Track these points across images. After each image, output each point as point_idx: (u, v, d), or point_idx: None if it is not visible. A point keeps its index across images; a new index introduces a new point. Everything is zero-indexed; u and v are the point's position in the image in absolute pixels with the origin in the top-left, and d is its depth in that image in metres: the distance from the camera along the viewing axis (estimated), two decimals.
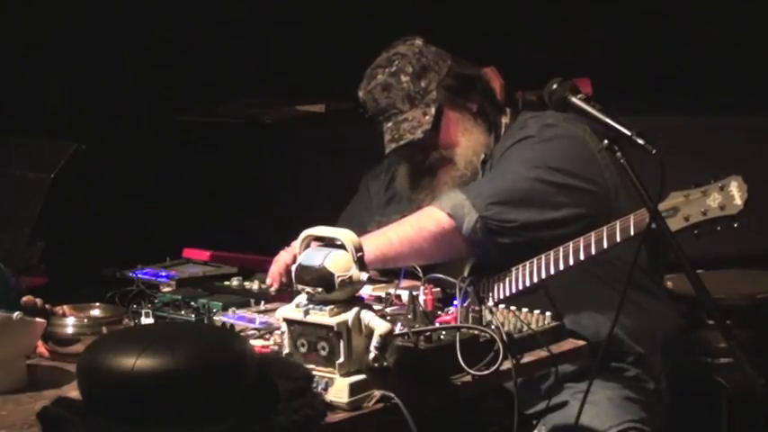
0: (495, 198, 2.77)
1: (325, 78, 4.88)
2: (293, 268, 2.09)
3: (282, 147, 4.78)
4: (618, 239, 2.54)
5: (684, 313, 3.20)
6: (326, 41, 5.19)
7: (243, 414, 1.87)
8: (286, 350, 2.09)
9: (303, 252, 2.10)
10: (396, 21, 3.71)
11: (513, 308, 2.45)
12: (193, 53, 5.19)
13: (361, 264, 2.04)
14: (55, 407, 1.90)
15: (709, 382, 3.48)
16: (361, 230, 2.67)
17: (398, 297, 2.58)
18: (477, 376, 2.20)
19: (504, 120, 3.04)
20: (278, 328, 2.28)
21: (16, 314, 2.20)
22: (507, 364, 2.23)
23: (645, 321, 2.87)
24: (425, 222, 2.79)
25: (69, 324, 2.40)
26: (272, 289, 2.80)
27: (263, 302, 2.75)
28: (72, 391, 2.03)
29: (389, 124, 2.95)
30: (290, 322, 2.08)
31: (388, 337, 2.04)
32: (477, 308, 2.34)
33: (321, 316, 2.03)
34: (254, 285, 2.90)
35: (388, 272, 2.86)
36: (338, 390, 2.02)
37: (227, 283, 2.96)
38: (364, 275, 2.04)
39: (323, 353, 2.04)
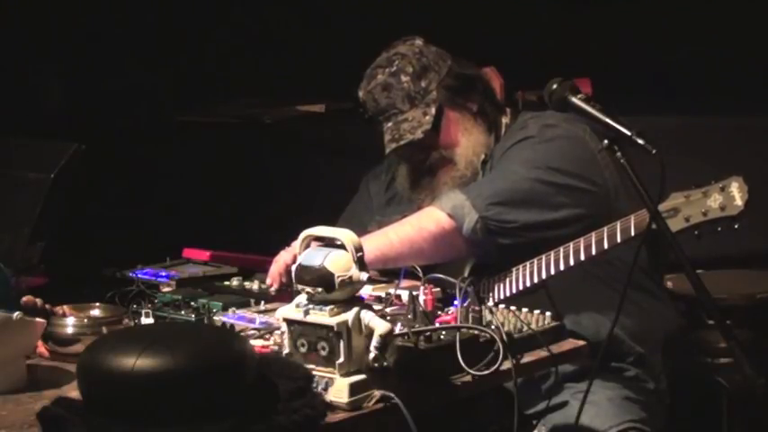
0: (495, 198, 2.77)
1: (325, 78, 4.88)
2: (293, 268, 2.09)
3: (282, 147, 4.78)
4: (618, 240, 2.54)
5: (684, 313, 3.20)
6: (326, 41, 5.19)
7: (243, 414, 1.87)
8: (286, 350, 2.09)
9: (303, 252, 2.10)
10: (396, 21, 3.72)
11: (513, 308, 2.45)
12: (193, 53, 5.19)
13: (361, 264, 2.04)
14: (55, 407, 1.90)
15: (709, 382, 3.48)
16: (361, 230, 2.67)
17: (398, 297, 2.58)
18: (477, 376, 2.20)
19: (505, 120, 3.03)
20: (278, 328, 2.28)
21: (16, 314, 2.20)
22: (507, 364, 2.23)
23: (645, 321, 2.87)
24: (425, 223, 2.79)
25: (69, 324, 2.40)
26: (272, 289, 2.80)
27: (263, 302, 2.75)
28: (72, 391, 2.03)
29: (389, 124, 2.95)
30: (290, 322, 2.08)
31: (388, 337, 2.04)
32: (477, 308, 2.34)
33: (321, 316, 2.03)
34: (254, 285, 2.90)
35: (388, 272, 2.86)
36: (338, 390, 2.02)
37: (227, 283, 2.96)
38: (364, 275, 2.04)
39: (323, 353, 2.04)
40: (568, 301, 2.63)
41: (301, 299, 2.08)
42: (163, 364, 1.82)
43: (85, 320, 2.43)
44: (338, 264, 2.04)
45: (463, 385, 2.20)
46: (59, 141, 3.11)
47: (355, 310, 2.04)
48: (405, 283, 2.70)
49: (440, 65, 2.97)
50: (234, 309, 2.66)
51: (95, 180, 3.96)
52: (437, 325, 2.30)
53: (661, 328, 2.94)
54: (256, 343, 2.32)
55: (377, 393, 2.03)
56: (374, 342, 2.02)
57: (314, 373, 2.03)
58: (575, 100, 2.38)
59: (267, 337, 2.39)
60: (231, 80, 5.26)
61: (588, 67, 3.79)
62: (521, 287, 2.72)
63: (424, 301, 2.46)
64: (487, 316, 2.35)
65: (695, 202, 2.40)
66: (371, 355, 2.03)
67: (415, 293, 2.41)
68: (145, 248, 3.19)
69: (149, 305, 2.67)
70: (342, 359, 2.02)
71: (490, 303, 2.53)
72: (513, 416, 2.23)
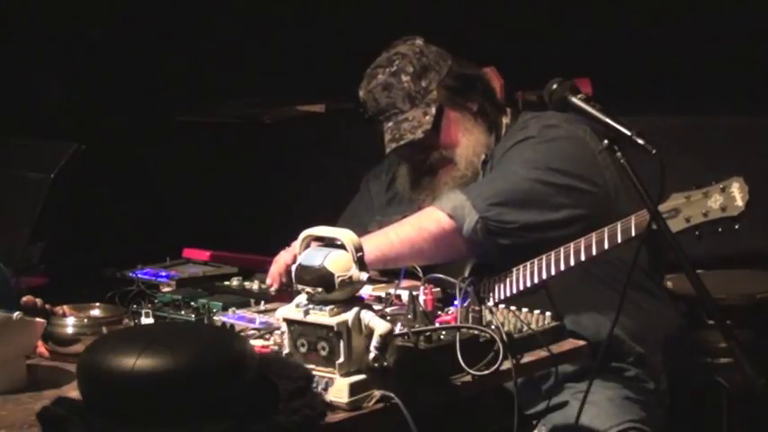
0: (495, 199, 2.77)
1: (325, 78, 4.88)
2: (293, 268, 2.09)
3: (282, 147, 4.78)
4: (619, 240, 2.54)
5: (684, 313, 3.20)
6: (326, 41, 5.19)
7: (243, 414, 1.87)
8: (286, 350, 2.09)
9: (303, 252, 2.10)
10: (396, 21, 3.72)
11: (513, 308, 2.45)
12: (193, 53, 5.19)
13: (361, 264, 2.04)
14: (55, 407, 1.90)
15: (709, 382, 3.48)
16: (361, 230, 2.67)
17: (398, 297, 2.58)
18: (477, 376, 2.20)
19: (505, 120, 3.03)
20: (278, 328, 2.28)
21: (16, 314, 2.20)
22: (507, 364, 2.23)
23: (645, 322, 2.87)
24: (426, 223, 2.79)
25: (69, 324, 2.40)
26: (272, 289, 2.80)
27: (263, 302, 2.75)
28: (72, 391, 2.02)
29: (390, 124, 2.95)
30: (290, 322, 2.08)
31: (388, 337, 2.04)
32: (477, 308, 2.33)
33: (321, 316, 2.03)
34: (254, 285, 2.90)
35: (388, 272, 2.86)
36: (338, 390, 2.02)
37: (227, 283, 2.96)
38: (364, 275, 2.04)
39: (323, 353, 2.04)
40: (568, 301, 2.63)
41: (301, 299, 2.08)
42: (163, 364, 1.82)
43: (85, 320, 2.43)
44: (338, 264, 2.04)
45: (463, 385, 2.20)
46: (59, 141, 3.11)
47: (355, 310, 2.04)
48: (405, 283, 2.70)
49: (440, 65, 2.97)
50: (234, 309, 2.66)
51: (95, 180, 3.97)
52: (437, 325, 2.30)
53: (661, 328, 2.94)
54: (256, 343, 2.32)
55: (377, 393, 2.03)
56: (374, 342, 2.02)
57: (314, 373, 2.03)
58: (575, 100, 2.38)
59: (267, 337, 2.39)
60: (231, 80, 5.26)
61: (588, 67, 3.79)
62: (521, 287, 2.72)
63: (424, 301, 2.46)
64: (487, 316, 2.35)
65: (696, 202, 2.40)
66: (371, 355, 2.03)
67: (415, 293, 2.41)
68: (145, 248, 3.19)
69: (149, 305, 2.67)
70: (342, 359, 2.02)
71: (490, 303, 2.53)
72: (513, 416, 2.23)
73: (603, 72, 3.91)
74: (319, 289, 2.04)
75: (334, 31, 5.23)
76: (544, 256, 2.68)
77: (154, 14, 5.05)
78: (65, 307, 2.50)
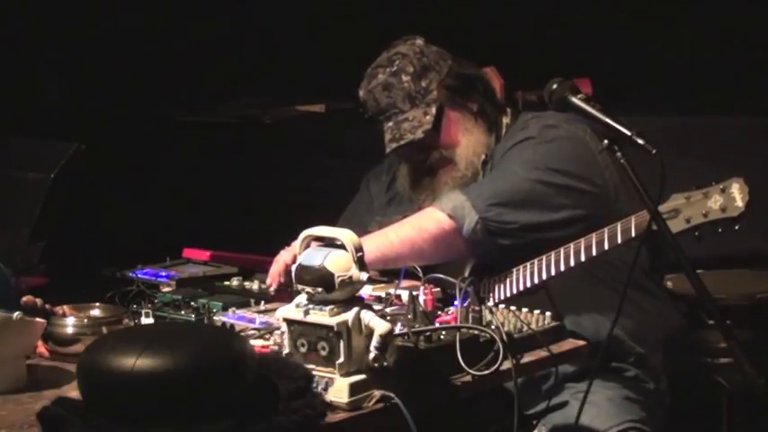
0: (495, 199, 2.77)
1: (325, 78, 4.88)
2: (293, 268, 2.09)
3: (282, 147, 4.78)
4: (619, 241, 2.54)
5: (684, 313, 3.20)
6: (326, 41, 5.19)
7: (243, 414, 1.87)
8: (286, 350, 2.09)
9: (303, 252, 2.10)
10: (396, 21, 3.72)
11: (513, 308, 2.45)
12: (193, 53, 5.19)
13: (361, 264, 2.04)
14: (55, 407, 1.90)
15: (709, 382, 3.48)
16: (361, 230, 2.67)
17: (398, 297, 2.58)
18: (477, 376, 2.20)
19: (505, 120, 3.03)
20: (278, 328, 2.27)
21: (16, 314, 2.20)
22: (507, 364, 2.23)
23: (645, 322, 2.87)
24: (426, 223, 2.79)
25: (69, 324, 2.40)
26: (271, 289, 2.80)
27: (263, 302, 2.75)
28: (72, 391, 2.02)
29: (390, 124, 2.95)
30: (290, 322, 2.08)
31: (388, 337, 2.04)
32: (477, 308, 2.33)
33: (321, 316, 2.03)
34: (254, 285, 2.90)
35: (388, 272, 2.86)
36: (338, 390, 2.02)
37: (227, 283, 2.96)
38: (364, 275, 2.04)
39: (323, 353, 2.04)
40: (568, 301, 2.63)
41: (301, 299, 2.08)
42: (163, 364, 1.82)
43: (85, 320, 2.43)
44: (338, 264, 2.04)
45: (463, 385, 2.20)
46: (59, 141, 3.12)
47: (355, 310, 2.04)
48: (405, 283, 2.69)
49: (440, 65, 2.97)
50: (234, 309, 2.66)
51: (95, 180, 3.97)
52: (437, 325, 2.30)
53: (661, 328, 2.94)
54: (256, 343, 2.32)
55: (377, 393, 2.03)
56: (374, 342, 2.02)
57: (314, 373, 2.03)
58: (575, 100, 2.38)
59: (267, 337, 2.39)
60: (231, 80, 5.27)
61: (588, 67, 3.79)
62: (521, 288, 2.72)
63: (424, 301, 2.45)
64: (487, 316, 2.35)
65: (696, 203, 2.40)
66: (371, 355, 2.03)
67: (415, 293, 2.41)
68: (145, 248, 3.19)
69: (149, 305, 2.67)
70: (342, 359, 2.02)
71: (490, 303, 2.53)
72: (513, 416, 2.23)
73: (603, 72, 3.91)
74: (319, 289, 2.04)
75: (334, 31, 5.23)
76: (544, 257, 2.68)
77: (154, 14, 5.06)
78: (65, 307, 2.50)
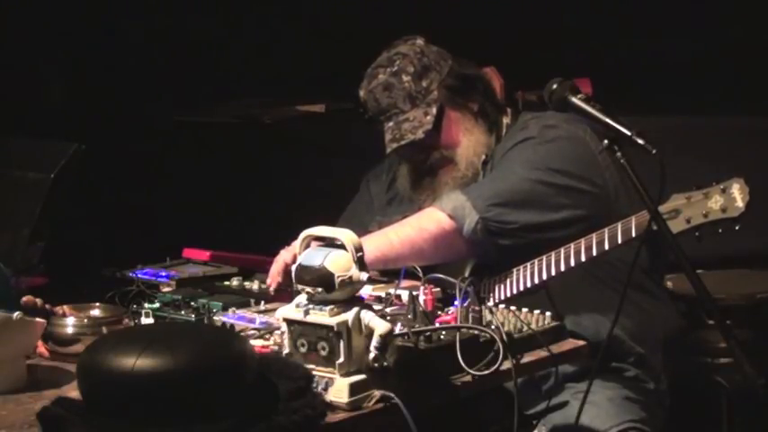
0: (495, 199, 2.77)
1: (325, 78, 4.88)
2: (293, 268, 2.09)
3: (282, 147, 4.78)
4: (619, 241, 2.55)
5: (684, 313, 3.20)
6: (327, 41, 5.19)
7: (243, 414, 1.87)
8: (286, 350, 2.09)
9: (303, 252, 2.10)
10: (396, 21, 3.71)
11: (513, 308, 2.45)
12: (193, 53, 5.19)
13: (361, 264, 2.04)
14: (55, 407, 1.90)
15: (709, 382, 3.48)
16: (361, 230, 2.67)
17: (398, 297, 2.58)
18: (477, 376, 2.20)
19: (506, 120, 3.03)
20: (278, 328, 2.28)
21: (16, 314, 2.20)
22: (507, 364, 2.23)
23: (645, 322, 2.87)
24: (426, 223, 2.79)
25: (69, 324, 2.40)
26: (271, 289, 2.80)
27: (263, 302, 2.75)
28: (72, 391, 2.02)
29: (390, 124, 2.95)
30: (290, 322, 2.08)
31: (388, 337, 2.04)
32: (477, 308, 2.33)
33: (321, 316, 2.03)
34: (254, 285, 2.90)
35: (388, 272, 2.86)
36: (338, 390, 2.02)
37: (227, 283, 2.96)
38: (364, 275, 2.04)
39: (323, 353, 2.04)
40: (568, 301, 2.63)
41: (301, 299, 2.08)
42: (163, 364, 1.82)
43: (85, 320, 2.43)
44: (338, 264, 2.04)
45: (463, 385, 2.20)
46: (59, 141, 3.11)
47: (355, 310, 2.04)
48: (405, 283, 2.70)
49: (441, 65, 2.97)
50: (234, 309, 2.66)
51: (95, 180, 3.97)
52: (437, 325, 2.30)
53: (661, 328, 2.94)
54: (256, 343, 2.32)
55: (377, 393, 2.03)
56: (374, 342, 2.02)
57: (314, 373, 2.03)
58: (575, 100, 2.38)
59: (267, 337, 2.39)
60: (231, 80, 5.26)
61: (588, 67, 3.79)
62: (521, 288, 2.72)
63: (424, 301, 2.45)
64: (487, 316, 2.35)
65: (696, 203, 2.40)
66: (371, 355, 2.03)
67: (415, 293, 2.41)
68: (145, 248, 3.19)
69: (150, 305, 2.67)
70: (342, 359, 2.02)
71: (490, 303, 2.53)
72: (513, 416, 2.23)
73: (603, 72, 3.91)
74: (319, 289, 2.04)
75: (334, 31, 5.23)
76: (544, 257, 2.68)
77: (153, 14, 5.06)
78: (65, 307, 2.50)
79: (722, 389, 3.46)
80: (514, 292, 2.73)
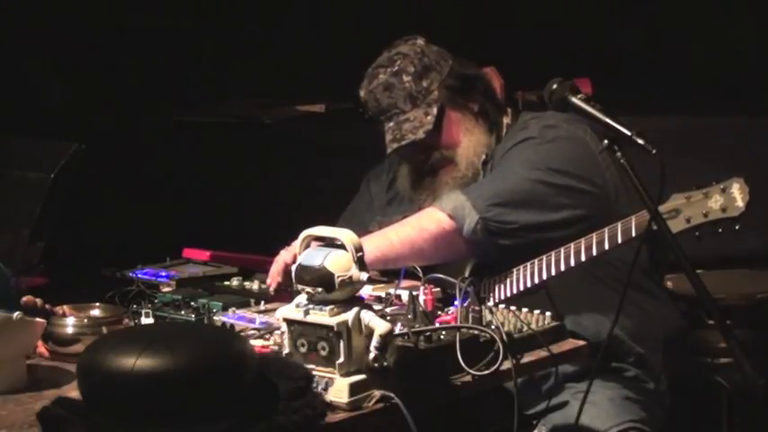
0: (495, 199, 2.77)
1: (325, 78, 4.87)
2: (293, 268, 2.09)
3: (282, 147, 4.78)
4: (619, 241, 2.54)
5: (684, 313, 3.20)
6: (326, 41, 5.19)
7: (243, 414, 1.87)
8: (286, 350, 2.09)
9: (303, 252, 2.10)
10: (396, 21, 3.71)
11: (513, 308, 2.45)
12: (193, 53, 5.19)
13: (361, 264, 2.04)
14: (55, 407, 1.90)
15: (709, 382, 3.48)
16: (362, 231, 2.67)
17: (398, 297, 2.58)
18: (477, 376, 2.20)
19: (506, 120, 3.03)
20: (278, 328, 2.28)
21: (16, 314, 2.20)
22: (507, 364, 2.23)
23: (645, 322, 2.87)
24: (426, 223, 2.79)
25: (69, 324, 2.40)
26: (270, 289, 2.80)
27: (263, 302, 2.75)
28: (72, 391, 2.02)
29: (391, 124, 2.95)
30: (290, 322, 2.08)
31: (388, 337, 2.04)
32: (477, 308, 2.33)
33: (321, 316, 2.03)
34: (254, 285, 2.90)
35: (388, 272, 2.86)
36: (338, 390, 2.02)
37: (227, 283, 2.96)
38: (364, 275, 2.04)
39: (323, 353, 2.04)
40: (569, 301, 2.63)
41: (301, 299, 2.08)
42: (163, 364, 1.82)
43: (85, 320, 2.43)
44: (338, 264, 2.04)
45: (463, 385, 2.20)
46: (59, 141, 3.11)
47: (355, 310, 2.04)
48: (405, 283, 2.70)
49: (441, 65, 2.97)
50: (234, 309, 2.66)
51: (95, 180, 3.97)
52: (437, 325, 2.30)
53: (661, 328, 2.94)
54: (256, 343, 2.32)
55: (377, 393, 2.03)
56: (374, 342, 2.02)
57: (314, 373, 2.03)
58: (575, 100, 2.38)
59: (267, 337, 2.39)
60: (231, 80, 5.26)
61: (588, 67, 3.79)
62: (521, 288, 2.72)
63: (424, 301, 2.45)
64: (487, 316, 2.35)
65: (696, 203, 2.40)
66: (371, 355, 2.03)
67: (415, 293, 2.41)
68: (145, 248, 3.19)
69: (149, 305, 2.67)
70: (342, 359, 2.02)
71: (490, 303, 2.53)
72: (513, 416, 2.23)
73: (603, 72, 3.91)
74: (319, 289, 2.04)
75: (335, 31, 5.23)
76: (544, 257, 2.68)
77: (153, 14, 5.05)
78: (65, 307, 2.50)
79: (722, 389, 3.46)
80: (514, 292, 2.73)
